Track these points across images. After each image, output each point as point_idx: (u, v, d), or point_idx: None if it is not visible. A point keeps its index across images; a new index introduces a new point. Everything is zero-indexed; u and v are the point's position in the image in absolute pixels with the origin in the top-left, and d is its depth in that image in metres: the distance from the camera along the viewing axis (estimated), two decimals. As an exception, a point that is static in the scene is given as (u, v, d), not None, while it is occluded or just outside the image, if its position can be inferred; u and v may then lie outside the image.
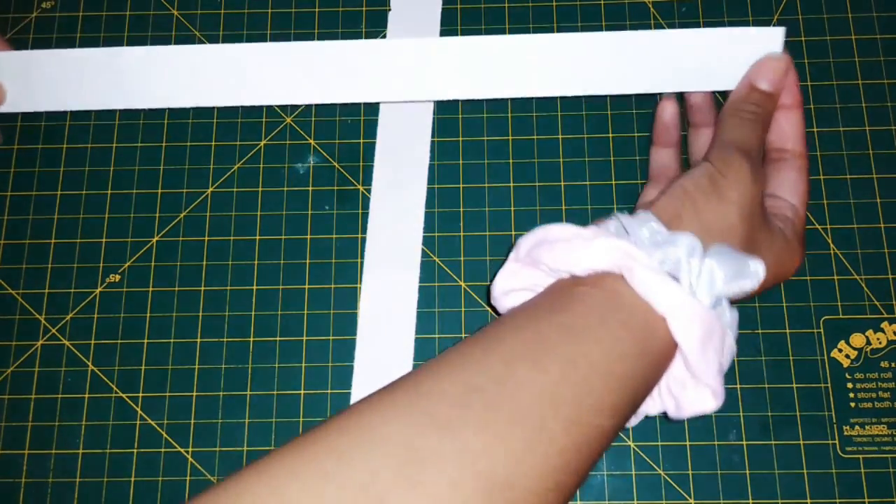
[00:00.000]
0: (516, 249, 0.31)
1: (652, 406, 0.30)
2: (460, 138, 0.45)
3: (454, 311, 0.43)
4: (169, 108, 0.46)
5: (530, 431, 0.24)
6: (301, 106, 0.46)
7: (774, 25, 0.46)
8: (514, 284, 0.31)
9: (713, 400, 0.29)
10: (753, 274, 0.29)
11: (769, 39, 0.37)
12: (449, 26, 0.47)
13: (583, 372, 0.25)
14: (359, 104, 0.46)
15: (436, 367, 0.26)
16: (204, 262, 0.44)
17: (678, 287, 0.27)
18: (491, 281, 0.43)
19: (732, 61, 0.37)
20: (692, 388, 0.29)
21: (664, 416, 0.31)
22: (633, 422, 0.31)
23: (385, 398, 0.25)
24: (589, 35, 0.39)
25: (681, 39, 0.38)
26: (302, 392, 0.42)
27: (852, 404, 0.41)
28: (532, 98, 0.45)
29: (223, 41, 0.48)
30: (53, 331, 0.43)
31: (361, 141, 0.46)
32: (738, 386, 0.41)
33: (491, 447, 0.23)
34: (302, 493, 0.22)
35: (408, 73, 0.39)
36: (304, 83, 0.39)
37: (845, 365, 0.41)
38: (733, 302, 0.30)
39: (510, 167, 0.45)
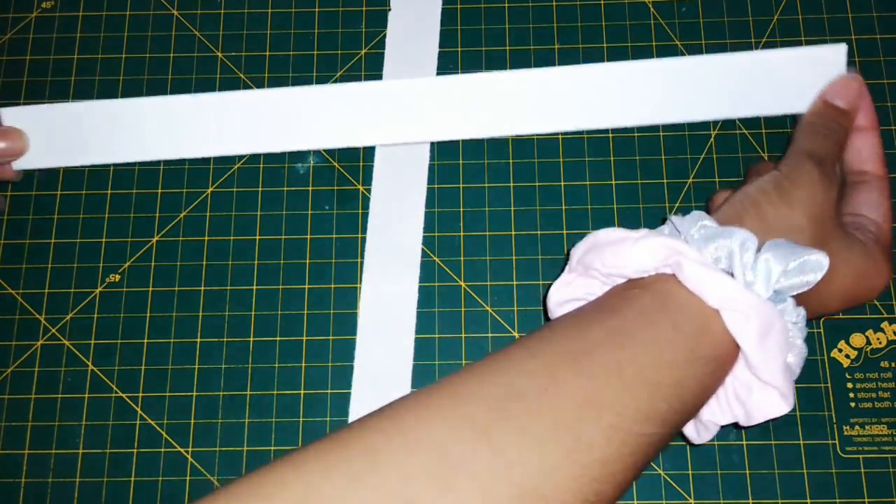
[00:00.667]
0: (570, 259, 0.31)
1: (721, 415, 0.29)
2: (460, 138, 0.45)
3: (454, 311, 0.43)
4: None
5: (569, 440, 0.23)
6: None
7: (775, 35, 0.46)
8: (567, 295, 0.31)
9: (782, 402, 0.27)
10: (816, 265, 0.27)
11: (832, 57, 0.36)
12: (449, 26, 0.47)
13: (628, 377, 0.24)
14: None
15: (479, 369, 0.25)
16: (204, 262, 0.44)
17: (730, 279, 0.26)
18: (492, 281, 0.43)
19: (797, 83, 0.36)
20: (759, 392, 0.27)
21: (735, 426, 0.29)
22: (705, 437, 0.30)
23: (424, 398, 0.24)
24: (645, 62, 0.40)
25: (738, 63, 0.38)
26: (302, 392, 0.42)
27: (852, 404, 0.41)
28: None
29: (223, 41, 0.48)
30: (53, 331, 0.43)
31: (361, 141, 0.45)
32: (738, 386, 0.41)
33: (526, 455, 0.22)
34: (333, 492, 0.22)
35: (443, 111, 0.40)
36: (309, 128, 0.40)
37: (845, 365, 0.41)
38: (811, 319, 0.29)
39: (510, 167, 0.45)
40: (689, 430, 0.31)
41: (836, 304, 0.31)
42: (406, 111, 0.40)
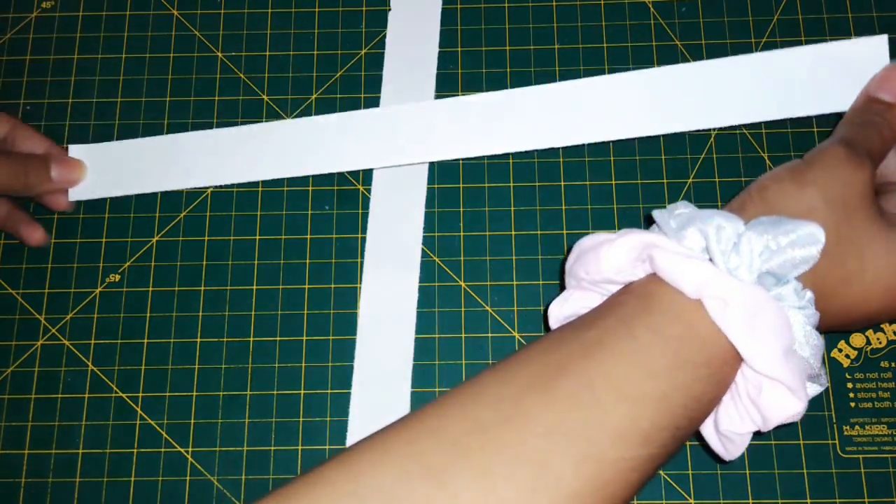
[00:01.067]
0: (564, 274, 0.29)
1: (739, 422, 0.26)
2: (460, 138, 0.45)
3: (454, 311, 0.43)
4: (168, 108, 0.46)
5: (532, 476, 0.21)
6: (301, 105, 0.46)
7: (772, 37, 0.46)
8: (566, 311, 0.29)
9: (791, 397, 0.24)
10: (809, 238, 0.24)
11: (873, 50, 0.34)
12: (449, 26, 0.47)
13: (601, 395, 0.22)
14: (358, 104, 0.46)
15: (446, 401, 0.23)
16: (204, 262, 0.44)
17: (706, 263, 0.24)
18: (492, 281, 0.43)
19: (838, 79, 0.34)
20: (768, 390, 0.24)
21: (758, 433, 0.26)
22: (734, 451, 0.27)
23: (380, 441, 0.22)
24: (681, 66, 0.40)
25: (774, 61, 0.36)
26: (302, 392, 0.42)
27: (852, 404, 0.41)
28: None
29: (223, 41, 0.48)
30: (53, 331, 0.43)
31: (361, 141, 0.45)
32: (738, 386, 0.41)
33: (484, 499, 0.20)
34: None
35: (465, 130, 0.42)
36: (333, 155, 0.43)
37: (845, 365, 0.41)
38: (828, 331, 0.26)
39: (510, 167, 0.45)
40: (717, 446, 0.28)
41: (877, 300, 0.27)
42: (406, 134, 0.42)
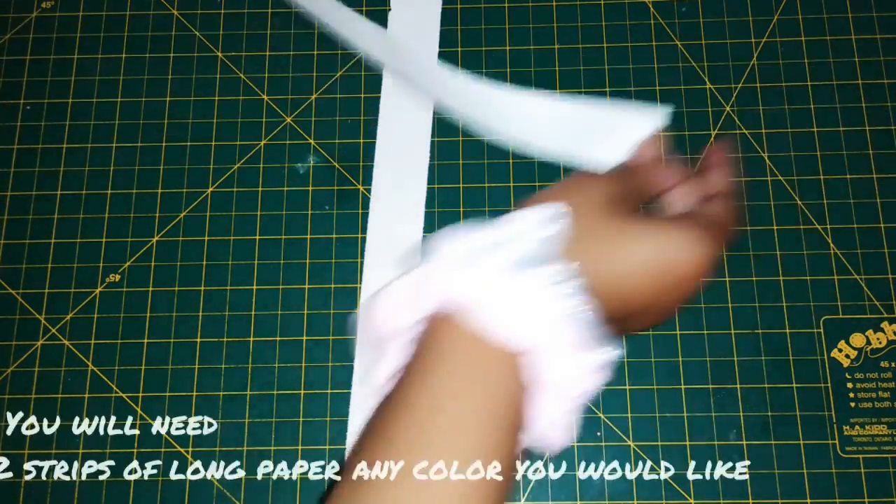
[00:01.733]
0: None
1: (554, 407, 0.28)
2: (460, 138, 0.45)
3: (454, 311, 0.43)
4: (169, 107, 0.46)
5: (460, 444, 0.25)
6: (301, 105, 0.46)
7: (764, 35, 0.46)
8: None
9: (567, 356, 0.27)
10: (547, 215, 0.29)
11: (650, 119, 0.38)
12: (449, 26, 0.47)
13: (458, 414, 0.26)
14: (358, 104, 0.46)
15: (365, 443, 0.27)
16: (204, 262, 0.44)
17: (448, 283, 0.27)
18: (491, 281, 0.43)
19: (615, 136, 0.38)
20: (555, 363, 0.27)
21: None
22: (565, 438, 0.29)
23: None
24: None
25: (575, 109, 0.39)
26: (302, 392, 0.42)
27: (852, 404, 0.41)
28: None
29: (223, 41, 0.48)
30: (53, 331, 0.43)
31: (361, 141, 0.46)
32: (739, 386, 0.41)
33: (445, 453, 0.24)
34: None
35: None
36: None
37: (845, 365, 0.41)
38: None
39: (510, 167, 0.45)
40: (549, 438, 0.29)
41: (650, 286, 0.29)
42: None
